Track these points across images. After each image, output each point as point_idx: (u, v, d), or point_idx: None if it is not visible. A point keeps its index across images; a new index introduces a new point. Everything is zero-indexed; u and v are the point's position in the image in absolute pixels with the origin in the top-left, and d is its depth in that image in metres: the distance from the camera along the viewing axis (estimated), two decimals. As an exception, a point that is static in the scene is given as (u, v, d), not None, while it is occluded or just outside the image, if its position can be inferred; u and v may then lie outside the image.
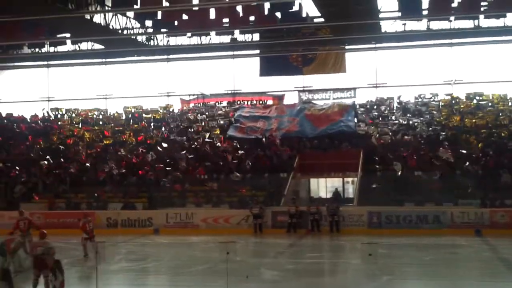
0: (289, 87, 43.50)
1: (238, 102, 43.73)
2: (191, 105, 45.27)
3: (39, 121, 44.93)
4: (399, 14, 32.55)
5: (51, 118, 45.54)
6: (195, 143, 37.48)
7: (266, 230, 28.95)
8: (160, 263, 21.64)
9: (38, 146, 39.86)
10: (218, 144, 37.26)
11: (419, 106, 40.65)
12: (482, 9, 31.69)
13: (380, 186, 31.12)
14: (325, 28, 35.47)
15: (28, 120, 45.32)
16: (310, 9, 32.44)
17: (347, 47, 39.53)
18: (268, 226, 29.39)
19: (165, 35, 36.99)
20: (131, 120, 43.72)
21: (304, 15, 32.54)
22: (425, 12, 31.66)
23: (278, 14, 31.99)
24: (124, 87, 45.79)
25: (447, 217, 28.01)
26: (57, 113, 46.03)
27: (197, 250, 24.50)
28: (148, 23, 34.60)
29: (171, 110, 44.78)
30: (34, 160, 37.66)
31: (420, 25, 36.00)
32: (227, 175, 33.47)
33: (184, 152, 36.32)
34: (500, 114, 37.71)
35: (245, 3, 30.09)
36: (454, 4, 30.56)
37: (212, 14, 31.39)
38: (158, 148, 37.50)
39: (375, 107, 41.44)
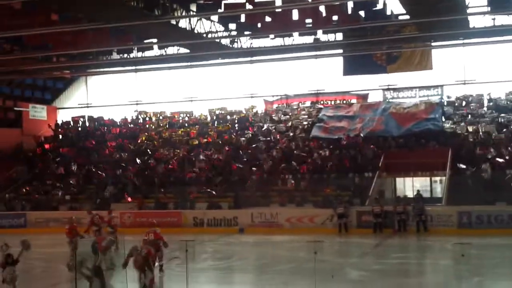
0: (373, 85, 42.90)
1: (322, 102, 43.55)
2: (275, 105, 45.48)
3: (129, 124, 46.46)
4: (488, 9, 31.52)
5: (139, 121, 47.00)
6: (279, 143, 37.69)
7: (351, 230, 28.78)
8: (246, 262, 21.95)
9: (127, 148, 41.31)
10: (302, 144, 37.31)
11: (510, 102, 39.20)
12: None
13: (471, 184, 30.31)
14: (410, 25, 34.78)
15: (118, 124, 46.95)
16: (394, 7, 31.92)
17: (433, 43, 38.55)
18: (353, 226, 29.22)
19: (248, 37, 37.35)
20: (216, 122, 44.48)
21: (388, 13, 32.04)
22: (515, 6, 30.52)
23: (362, 13, 31.64)
24: (209, 89, 46.57)
25: (542, 217, 26.90)
26: (145, 116, 47.45)
27: (282, 249, 24.65)
28: (232, 26, 35.05)
29: (255, 111, 45.19)
30: (123, 162, 39.00)
31: (510, 20, 34.67)
32: (312, 175, 33.49)
33: (269, 152, 36.64)
34: None
35: (328, 3, 29.94)
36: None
37: (295, 15, 31.40)
38: (243, 148, 38.00)
39: (463, 104, 40.28)
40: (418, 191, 31.93)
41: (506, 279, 17.63)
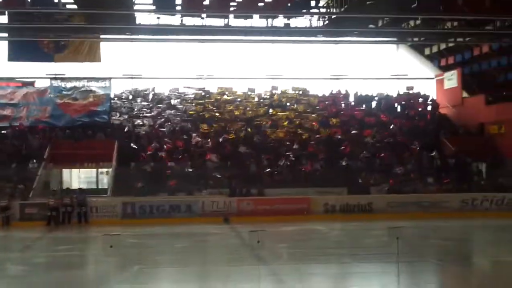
0: (40, 73, 41.49)
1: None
2: None
3: None
4: (154, 7, 32.99)
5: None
6: None
7: (14, 223, 27.70)
8: None
9: None
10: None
11: (173, 98, 41.67)
12: (231, 9, 33.34)
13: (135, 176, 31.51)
14: (79, 15, 34.50)
15: None
16: (64, -6, 31.41)
17: (101, 36, 38.84)
18: (15, 219, 28.07)
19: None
20: None
21: (56, 0, 31.36)
22: (178, 8, 32.46)
23: (28, -3, 30.37)
24: None
25: (198, 206, 29.32)
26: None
27: None
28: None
29: None
30: None
31: (174, 20, 36.65)
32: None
33: None
34: (248, 108, 40.21)
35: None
36: (206, 2, 31.86)
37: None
38: None
39: (130, 98, 41.51)
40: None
41: (165, 266, 18.71)
